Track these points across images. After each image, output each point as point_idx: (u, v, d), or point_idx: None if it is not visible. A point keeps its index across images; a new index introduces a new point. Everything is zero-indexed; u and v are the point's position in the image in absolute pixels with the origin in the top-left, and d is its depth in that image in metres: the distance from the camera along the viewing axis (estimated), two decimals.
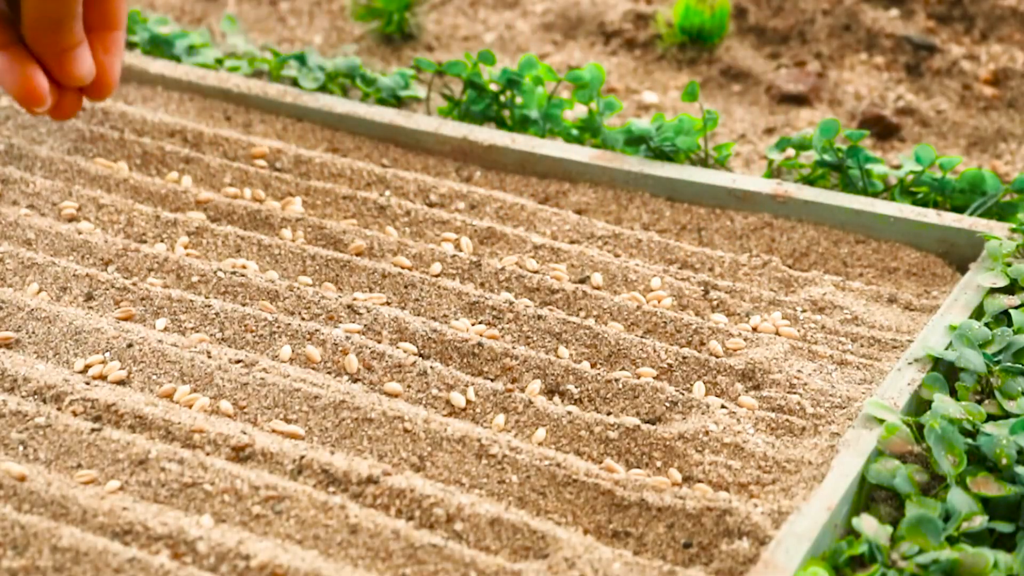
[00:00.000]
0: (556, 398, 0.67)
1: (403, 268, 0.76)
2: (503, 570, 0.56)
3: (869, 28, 1.15)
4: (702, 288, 0.77)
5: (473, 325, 0.72)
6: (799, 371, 0.69)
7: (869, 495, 0.61)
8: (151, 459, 0.60)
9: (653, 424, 0.66)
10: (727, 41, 1.15)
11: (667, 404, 0.67)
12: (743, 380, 0.69)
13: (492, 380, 0.68)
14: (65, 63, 0.75)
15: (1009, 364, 0.68)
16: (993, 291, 0.75)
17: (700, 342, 0.72)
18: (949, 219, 0.82)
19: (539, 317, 0.72)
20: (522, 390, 0.67)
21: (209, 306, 0.71)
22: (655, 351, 0.70)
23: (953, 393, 0.67)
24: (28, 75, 0.75)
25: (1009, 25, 1.16)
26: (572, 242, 0.81)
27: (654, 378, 0.69)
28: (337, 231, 0.79)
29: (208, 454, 0.61)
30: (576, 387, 0.67)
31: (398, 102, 1.01)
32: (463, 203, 0.84)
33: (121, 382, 0.66)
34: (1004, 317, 0.73)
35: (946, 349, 0.69)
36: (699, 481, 0.62)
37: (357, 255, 0.77)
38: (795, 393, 0.68)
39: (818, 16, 1.17)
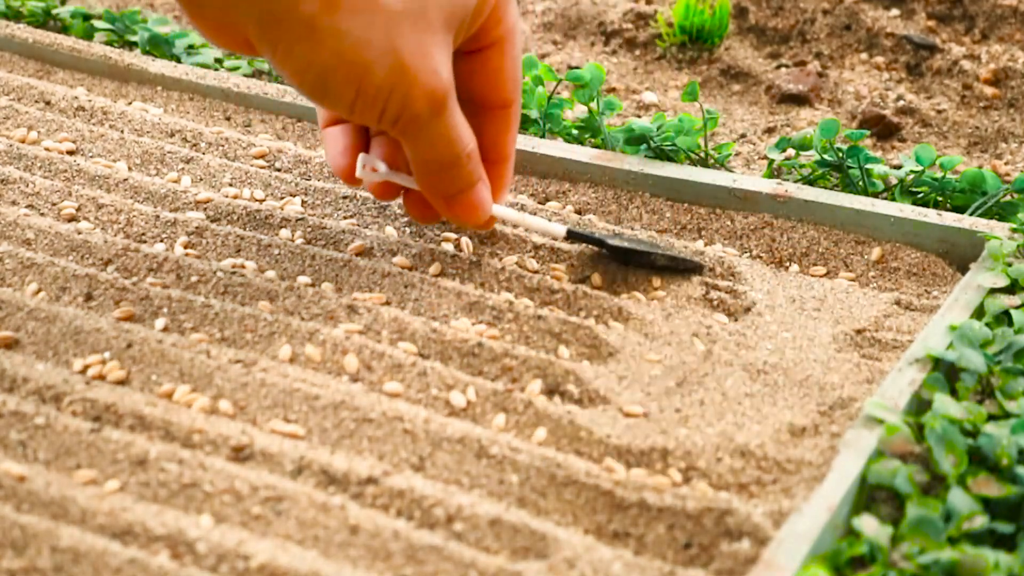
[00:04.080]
0: (556, 398, 0.67)
1: (403, 268, 0.76)
2: (503, 570, 0.56)
3: (869, 28, 1.15)
4: (703, 288, 0.77)
5: (473, 325, 0.72)
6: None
7: (869, 495, 0.61)
8: (151, 459, 0.60)
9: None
10: (727, 41, 1.15)
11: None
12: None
13: (492, 380, 0.68)
14: (453, 208, 0.70)
15: (1010, 364, 0.68)
16: (994, 291, 0.75)
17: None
18: (949, 219, 0.81)
19: (539, 317, 0.72)
20: (522, 390, 0.67)
21: (209, 306, 0.71)
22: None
23: (954, 393, 0.67)
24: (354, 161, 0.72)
25: (1010, 25, 1.16)
26: (572, 242, 0.81)
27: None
28: (337, 231, 0.79)
29: (208, 454, 0.61)
30: (576, 387, 0.67)
31: None
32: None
33: (121, 382, 0.66)
34: (1005, 317, 0.73)
35: (947, 349, 0.69)
36: (699, 481, 0.62)
37: (357, 255, 0.77)
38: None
39: (818, 16, 1.17)
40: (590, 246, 0.78)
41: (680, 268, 0.78)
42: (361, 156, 0.73)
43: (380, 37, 0.63)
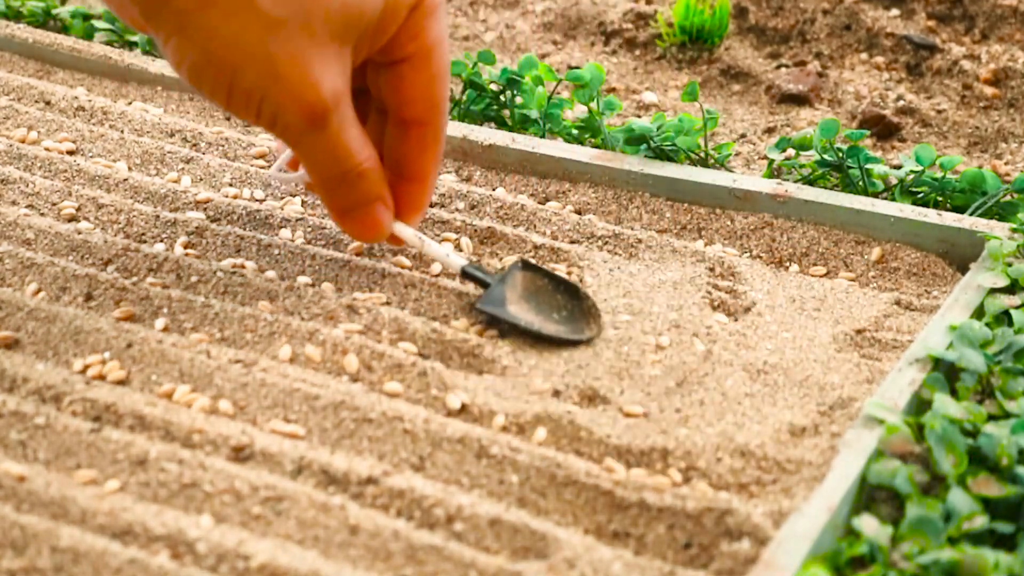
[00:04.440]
0: (556, 398, 0.67)
1: (403, 268, 0.76)
2: (503, 570, 0.56)
3: (869, 28, 1.15)
4: (703, 288, 0.77)
5: (473, 325, 0.72)
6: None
7: (869, 495, 0.61)
8: (151, 459, 0.60)
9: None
10: (727, 41, 1.15)
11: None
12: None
13: (492, 380, 0.68)
14: (347, 223, 0.69)
15: (1010, 364, 0.68)
16: (994, 291, 0.75)
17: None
18: (949, 219, 0.81)
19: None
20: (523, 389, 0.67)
21: (209, 306, 0.71)
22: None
23: (954, 393, 0.67)
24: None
25: (1010, 25, 1.16)
26: (572, 242, 0.81)
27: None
28: (337, 231, 0.79)
29: (208, 454, 0.61)
30: (576, 387, 0.67)
31: None
32: (463, 203, 0.83)
33: (121, 382, 0.66)
34: (1005, 317, 0.73)
35: (947, 349, 0.69)
36: (699, 481, 0.62)
37: (357, 255, 0.77)
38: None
39: (818, 16, 1.17)
40: (590, 246, 0.77)
41: (558, 341, 0.71)
42: (275, 166, 0.75)
43: (253, 41, 0.62)
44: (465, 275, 0.72)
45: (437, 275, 0.76)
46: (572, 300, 0.72)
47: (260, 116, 0.64)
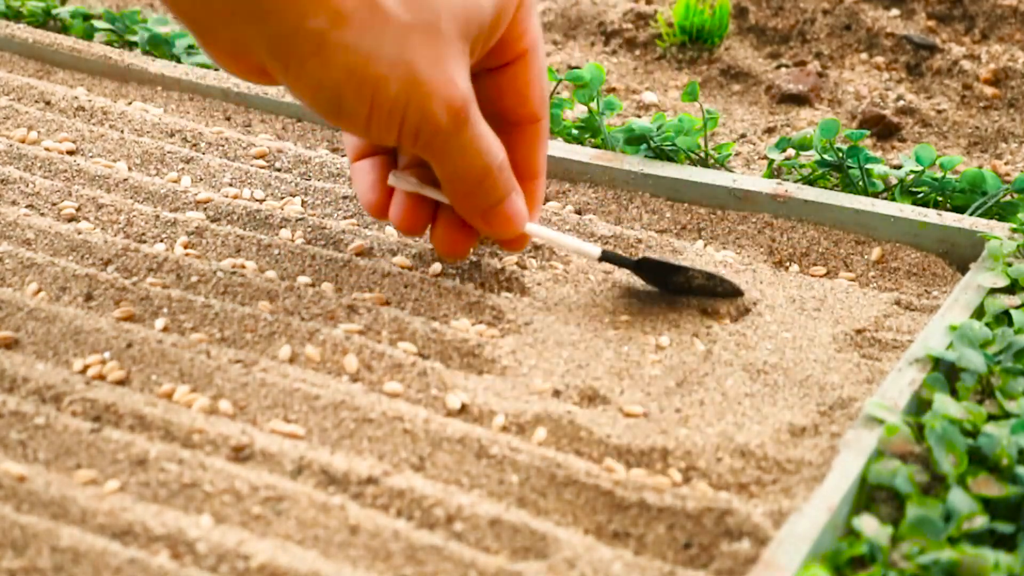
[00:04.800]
0: (556, 398, 0.67)
1: (403, 268, 0.76)
2: (503, 570, 0.56)
3: (869, 28, 1.15)
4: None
5: (473, 325, 0.72)
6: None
7: (869, 495, 0.61)
8: (151, 459, 0.60)
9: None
10: (727, 41, 1.15)
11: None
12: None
13: (492, 380, 0.68)
14: (490, 222, 0.68)
15: (1010, 364, 0.68)
16: (994, 291, 0.75)
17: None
18: (949, 219, 0.81)
19: (539, 317, 0.72)
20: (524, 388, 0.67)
21: (209, 306, 0.71)
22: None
23: (954, 393, 0.67)
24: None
25: (1010, 25, 1.16)
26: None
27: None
28: (337, 231, 0.79)
29: (208, 454, 0.61)
30: (576, 387, 0.67)
31: None
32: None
33: (120, 382, 0.66)
34: (1005, 317, 0.73)
35: (947, 349, 0.69)
36: (699, 481, 0.62)
37: (357, 255, 0.77)
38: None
39: (818, 16, 1.17)
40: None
41: (718, 292, 0.75)
42: (392, 174, 0.72)
43: (391, 51, 0.62)
44: (604, 259, 0.73)
45: (437, 275, 0.76)
46: (703, 273, 0.75)
47: (404, 128, 0.63)
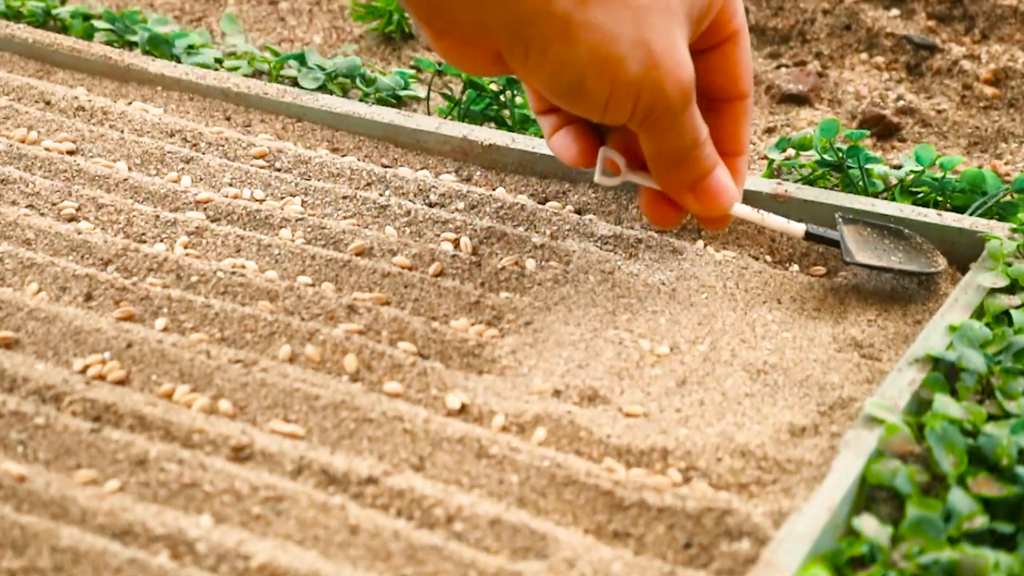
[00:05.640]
0: (556, 398, 0.67)
1: (403, 268, 0.76)
2: (503, 570, 0.56)
3: (869, 28, 1.15)
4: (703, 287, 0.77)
5: (473, 325, 0.72)
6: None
7: (869, 495, 0.61)
8: (151, 459, 0.60)
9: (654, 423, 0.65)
10: None
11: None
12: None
13: (492, 380, 0.68)
14: (699, 196, 0.70)
15: (1010, 364, 0.68)
16: (994, 291, 0.75)
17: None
18: (949, 219, 0.81)
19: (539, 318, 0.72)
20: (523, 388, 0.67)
21: (209, 306, 0.71)
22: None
23: (954, 393, 0.67)
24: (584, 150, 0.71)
25: (1010, 25, 1.16)
26: (572, 242, 0.81)
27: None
28: (337, 231, 0.79)
29: (208, 454, 0.61)
30: (576, 387, 0.67)
31: (398, 102, 1.01)
32: (463, 203, 0.83)
33: (120, 382, 0.66)
34: (1005, 317, 0.73)
35: (947, 349, 0.69)
36: (699, 481, 0.62)
37: (357, 255, 0.77)
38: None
39: (818, 16, 1.17)
40: (590, 246, 0.78)
41: (920, 277, 0.77)
42: (602, 151, 0.73)
43: (630, 30, 0.63)
44: (809, 237, 0.76)
45: (437, 275, 0.76)
46: (900, 240, 0.77)
47: (638, 106, 0.65)
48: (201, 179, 0.85)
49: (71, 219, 0.80)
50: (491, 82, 0.95)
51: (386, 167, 0.88)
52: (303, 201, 0.83)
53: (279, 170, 0.87)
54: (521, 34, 0.63)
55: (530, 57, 0.63)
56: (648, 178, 0.73)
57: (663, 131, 0.67)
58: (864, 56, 1.14)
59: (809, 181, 0.90)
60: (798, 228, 0.76)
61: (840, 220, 0.78)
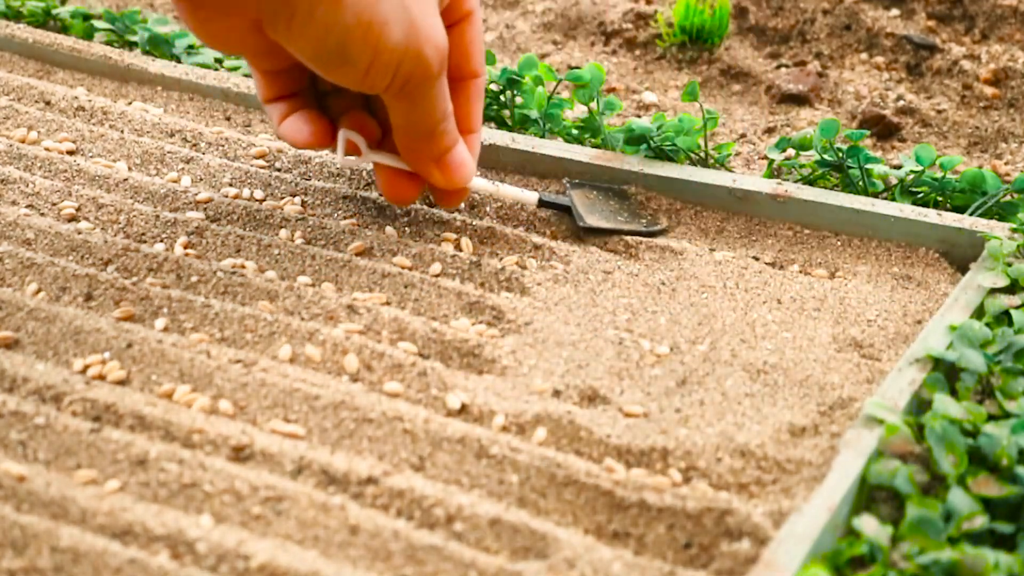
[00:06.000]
0: (556, 398, 0.67)
1: (403, 268, 0.76)
2: (503, 570, 0.56)
3: (869, 28, 1.15)
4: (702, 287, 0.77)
5: (473, 325, 0.72)
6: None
7: (869, 495, 0.61)
8: (151, 459, 0.60)
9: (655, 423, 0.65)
10: (727, 41, 1.15)
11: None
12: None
13: (492, 380, 0.68)
14: (444, 169, 0.72)
15: (1010, 364, 0.68)
16: (994, 291, 0.75)
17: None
18: (949, 219, 0.81)
19: (539, 318, 0.72)
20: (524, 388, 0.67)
21: (209, 306, 0.71)
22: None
23: (954, 393, 0.67)
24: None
25: (1010, 25, 1.16)
26: (572, 242, 0.81)
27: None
28: (337, 231, 0.79)
29: (208, 454, 0.61)
30: (576, 387, 0.67)
31: None
32: (463, 203, 0.83)
33: (121, 382, 0.66)
34: (1005, 317, 0.73)
35: (947, 349, 0.69)
36: (699, 481, 0.62)
37: (357, 255, 0.77)
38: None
39: (818, 16, 1.17)
40: (591, 245, 0.78)
41: (645, 236, 0.81)
42: (342, 133, 0.75)
43: None
44: (543, 204, 0.81)
45: (437, 275, 0.76)
46: (623, 200, 0.82)
47: (397, 74, 0.66)
48: (201, 179, 0.85)
49: (71, 219, 0.80)
50: (491, 82, 0.95)
51: None
52: (303, 201, 0.83)
53: (279, 170, 0.87)
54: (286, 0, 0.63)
55: (294, 23, 0.64)
56: (389, 157, 0.75)
57: (418, 100, 0.68)
58: (864, 56, 1.14)
59: (809, 181, 0.90)
60: (531, 196, 0.80)
61: (568, 185, 0.83)
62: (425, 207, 0.82)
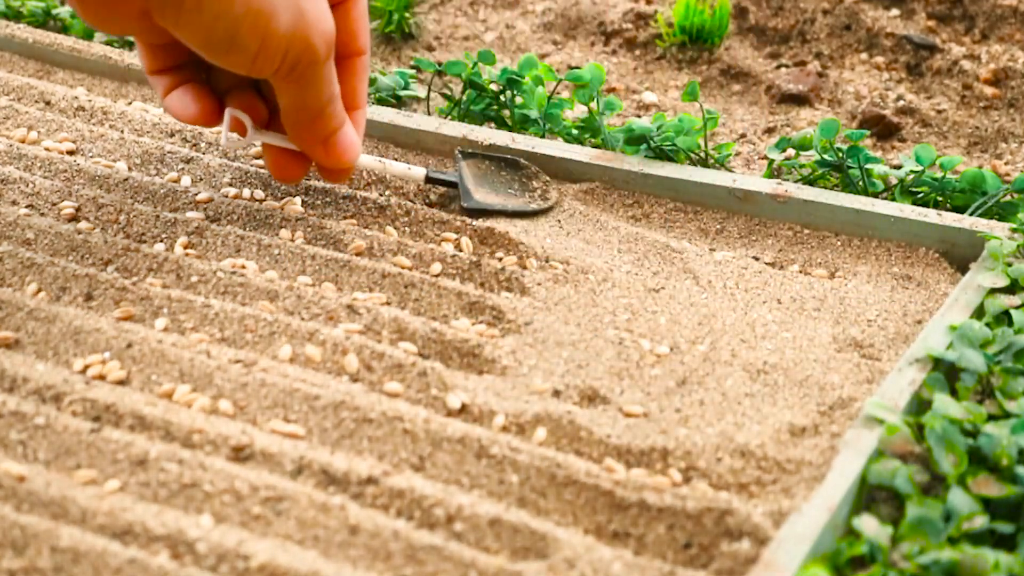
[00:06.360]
0: (556, 398, 0.67)
1: (403, 268, 0.76)
2: (503, 570, 0.56)
3: (869, 28, 1.15)
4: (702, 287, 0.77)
5: (473, 325, 0.72)
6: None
7: (869, 495, 0.61)
8: (151, 459, 0.60)
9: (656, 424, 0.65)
10: (727, 41, 1.15)
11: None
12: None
13: (492, 380, 0.68)
14: (330, 150, 0.74)
15: (1010, 364, 0.68)
16: (994, 291, 0.75)
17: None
18: (949, 219, 0.81)
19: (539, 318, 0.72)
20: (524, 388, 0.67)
21: (209, 306, 0.71)
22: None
23: (954, 393, 0.67)
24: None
25: (1010, 25, 1.16)
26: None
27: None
28: (337, 231, 0.79)
29: (208, 454, 0.61)
30: (576, 387, 0.67)
31: (398, 102, 1.01)
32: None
33: (121, 382, 0.66)
34: (1005, 317, 0.73)
35: (947, 349, 0.69)
36: (699, 481, 0.62)
37: (357, 255, 0.77)
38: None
39: (818, 16, 1.17)
40: (591, 245, 0.78)
41: (530, 216, 0.81)
42: (228, 111, 0.76)
43: None
44: (430, 180, 0.82)
45: (437, 275, 0.76)
46: (516, 171, 0.82)
47: (285, 59, 0.67)
48: (201, 179, 0.85)
49: (71, 219, 0.80)
50: (491, 82, 0.95)
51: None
52: (303, 201, 0.83)
53: None
54: None
55: (183, 12, 0.65)
56: (275, 136, 0.76)
57: (306, 84, 0.69)
58: (864, 56, 1.14)
59: (809, 181, 0.90)
60: (419, 172, 0.81)
61: (459, 156, 0.83)
62: (425, 207, 0.82)
